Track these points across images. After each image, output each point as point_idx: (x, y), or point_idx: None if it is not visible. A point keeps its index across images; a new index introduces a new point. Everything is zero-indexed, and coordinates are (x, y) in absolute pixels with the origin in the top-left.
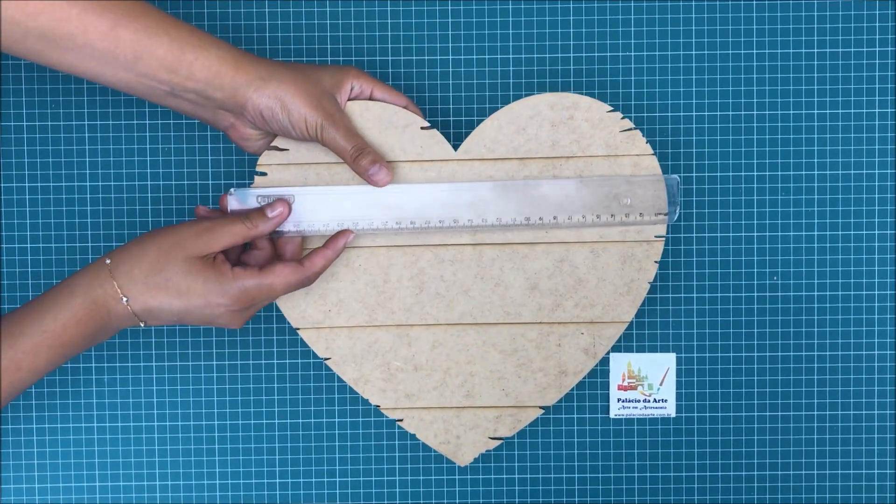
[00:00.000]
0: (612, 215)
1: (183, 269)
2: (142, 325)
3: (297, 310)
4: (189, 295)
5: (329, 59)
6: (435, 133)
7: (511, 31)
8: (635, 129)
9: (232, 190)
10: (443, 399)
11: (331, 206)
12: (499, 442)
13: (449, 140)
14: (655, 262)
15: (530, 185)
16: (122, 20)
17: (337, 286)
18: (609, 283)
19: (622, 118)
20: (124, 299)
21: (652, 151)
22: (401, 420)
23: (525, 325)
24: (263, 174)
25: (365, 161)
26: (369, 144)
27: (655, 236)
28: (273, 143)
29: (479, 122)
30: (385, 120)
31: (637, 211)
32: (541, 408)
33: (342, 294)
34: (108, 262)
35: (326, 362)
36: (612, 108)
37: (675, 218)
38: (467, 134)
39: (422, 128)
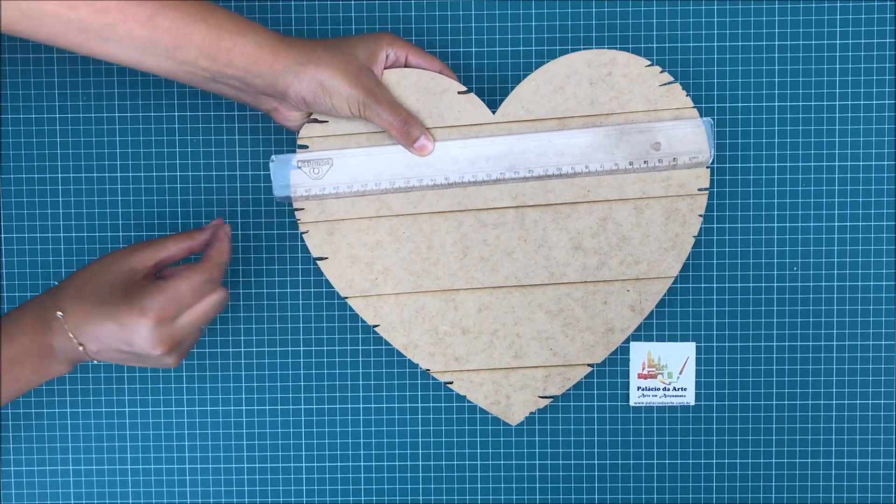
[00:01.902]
0: (645, 162)
1: (109, 283)
2: (81, 349)
3: (345, 279)
4: (104, 308)
5: (363, 24)
6: (472, 97)
7: None
8: (674, 82)
9: (273, 157)
10: (491, 361)
11: (368, 167)
12: (549, 401)
13: (486, 104)
14: (699, 215)
15: (563, 136)
16: (161, 9)
17: (382, 254)
18: (654, 238)
19: (661, 72)
20: (59, 314)
21: (692, 104)
22: (451, 383)
23: (570, 285)
24: (305, 147)
25: (413, 133)
26: (412, 115)
27: (698, 189)
28: (312, 115)
29: (515, 84)
30: (422, 87)
31: (671, 156)
32: (589, 365)
33: (388, 262)
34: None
35: (376, 329)
36: (649, 63)
37: (710, 161)
38: (504, 97)
39: (459, 92)
